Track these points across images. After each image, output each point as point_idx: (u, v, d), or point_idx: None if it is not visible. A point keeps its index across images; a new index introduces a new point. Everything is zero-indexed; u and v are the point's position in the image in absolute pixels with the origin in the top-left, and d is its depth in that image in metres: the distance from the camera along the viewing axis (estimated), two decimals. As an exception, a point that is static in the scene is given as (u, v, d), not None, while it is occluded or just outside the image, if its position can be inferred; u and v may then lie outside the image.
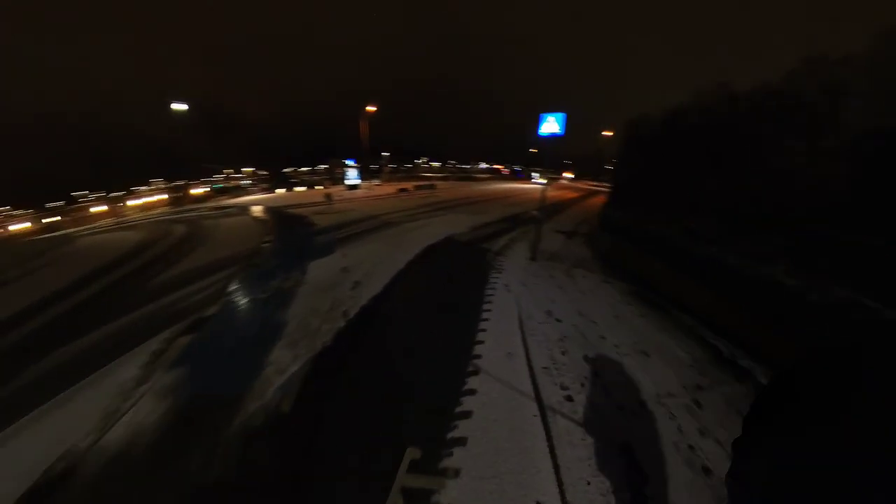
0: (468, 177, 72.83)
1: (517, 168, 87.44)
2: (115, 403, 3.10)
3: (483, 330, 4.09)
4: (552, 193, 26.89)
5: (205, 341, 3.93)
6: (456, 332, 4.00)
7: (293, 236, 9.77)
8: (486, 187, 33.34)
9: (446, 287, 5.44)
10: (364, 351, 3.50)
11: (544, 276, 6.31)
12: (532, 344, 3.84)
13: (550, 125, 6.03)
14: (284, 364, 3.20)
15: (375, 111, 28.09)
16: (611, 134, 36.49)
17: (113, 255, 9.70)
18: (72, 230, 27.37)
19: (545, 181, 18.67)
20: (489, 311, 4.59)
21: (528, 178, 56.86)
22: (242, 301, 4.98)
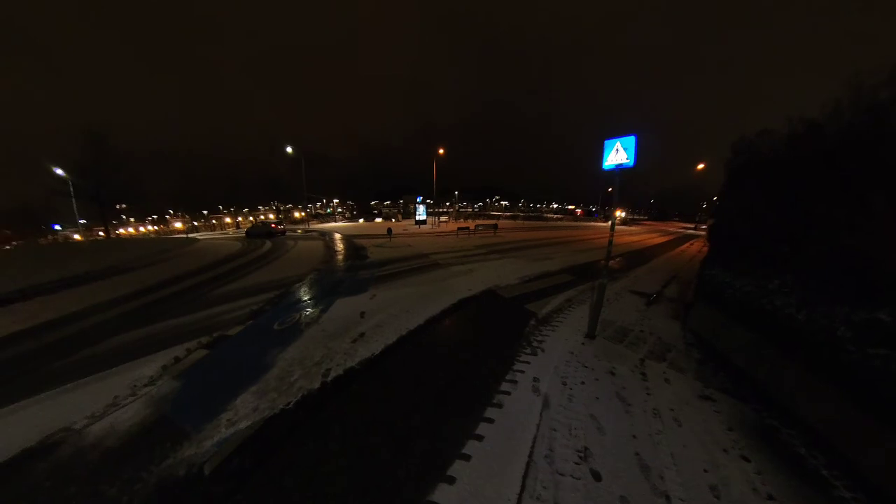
0: (539, 217, 70.86)
1: (593, 209, 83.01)
2: (122, 396, 3.45)
3: (466, 457, 2.57)
4: (632, 238, 24.19)
5: (209, 362, 4.17)
6: (421, 458, 2.57)
7: (341, 267, 10.40)
8: (554, 228, 31.26)
9: (451, 367, 4.04)
10: (300, 435, 2.83)
11: (600, 371, 4.14)
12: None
13: (618, 155, 4.75)
14: (241, 415, 3.07)
15: (446, 152, 30.65)
16: (702, 166, 33.55)
17: (205, 262, 11.65)
18: (202, 234, 34.18)
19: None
20: (490, 421, 3.00)
21: (605, 220, 54.66)
22: (261, 328, 5.26)
